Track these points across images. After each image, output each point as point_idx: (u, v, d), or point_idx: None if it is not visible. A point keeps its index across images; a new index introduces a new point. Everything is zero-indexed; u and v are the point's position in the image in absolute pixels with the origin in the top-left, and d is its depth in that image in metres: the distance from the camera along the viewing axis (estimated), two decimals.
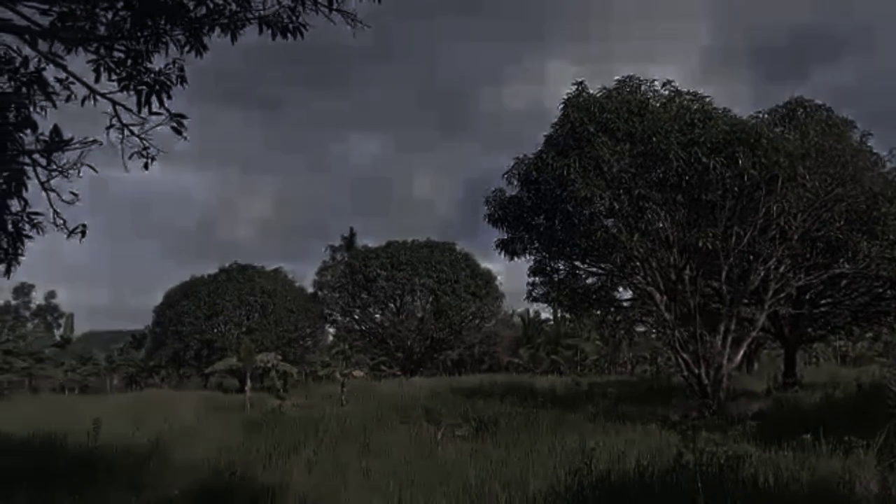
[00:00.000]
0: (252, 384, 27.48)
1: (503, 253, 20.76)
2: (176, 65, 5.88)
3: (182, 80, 5.91)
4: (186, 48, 5.86)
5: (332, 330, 47.68)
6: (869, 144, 19.89)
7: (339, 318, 44.08)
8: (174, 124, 5.84)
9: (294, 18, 5.92)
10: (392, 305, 42.51)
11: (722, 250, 17.74)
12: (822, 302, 22.45)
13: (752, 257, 18.51)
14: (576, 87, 18.76)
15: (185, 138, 5.89)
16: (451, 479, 8.82)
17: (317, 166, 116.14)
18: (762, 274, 18.47)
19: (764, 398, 19.02)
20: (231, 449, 12.28)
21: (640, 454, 8.60)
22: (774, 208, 17.42)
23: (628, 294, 21.75)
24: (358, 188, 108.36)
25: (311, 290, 46.30)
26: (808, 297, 21.91)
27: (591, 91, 18.67)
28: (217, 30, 5.88)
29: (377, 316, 43.16)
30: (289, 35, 5.93)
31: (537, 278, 21.46)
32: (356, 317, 43.15)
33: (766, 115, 19.30)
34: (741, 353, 19.66)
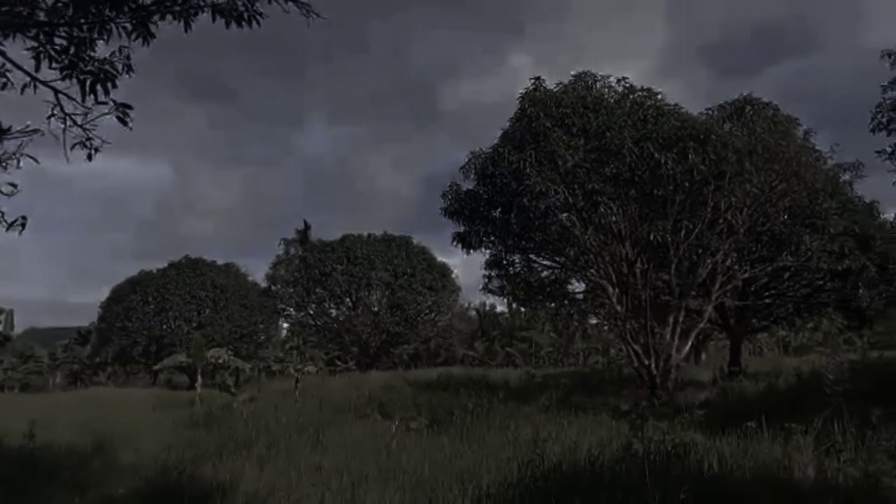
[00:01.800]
0: (203, 381, 26.97)
1: (459, 246, 20.86)
2: (122, 53, 5.68)
3: (128, 68, 5.71)
4: (133, 35, 5.66)
5: (285, 325, 47.27)
6: (812, 142, 20.57)
7: (293, 313, 43.66)
8: (119, 114, 5.66)
9: (249, 6, 5.78)
10: (347, 300, 42.25)
11: (672, 244, 18.19)
12: (767, 294, 23.17)
13: (700, 250, 19.01)
14: (533, 81, 18.94)
15: (131, 129, 5.71)
16: (405, 473, 8.82)
17: (274, 159, 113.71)
18: (710, 267, 19.00)
19: (710, 387, 19.57)
20: (180, 446, 12.02)
21: (592, 444, 8.76)
22: (722, 203, 17.93)
23: (582, 287, 22.09)
24: (317, 181, 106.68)
25: (264, 284, 45.77)
26: (752, 289, 22.61)
27: (548, 86, 18.87)
28: (168, 17, 5.69)
29: (332, 310, 42.87)
30: (243, 24, 5.78)
31: (493, 271, 21.62)
32: (311, 312, 42.76)
33: (715, 112, 19.78)
34: (689, 343, 20.22)
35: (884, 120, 14.58)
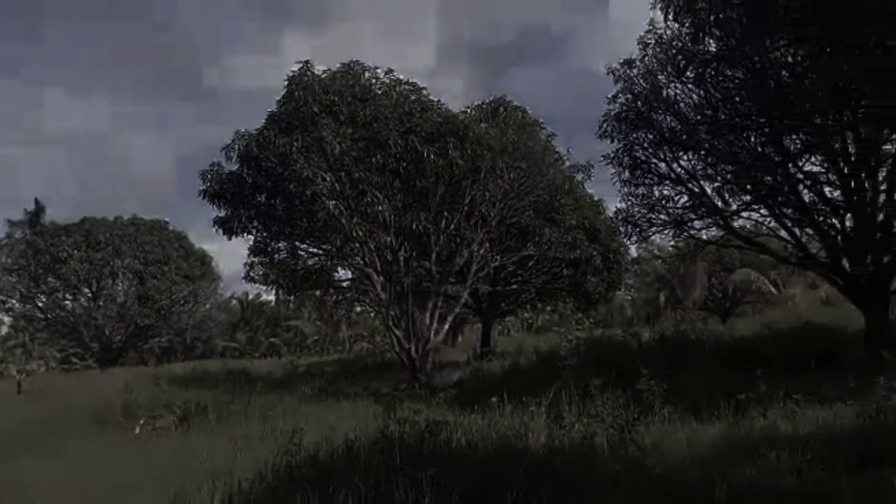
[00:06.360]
0: None
1: (221, 231, 19.76)
2: None
3: None
4: None
5: (7, 319, 40.61)
6: (553, 143, 23.03)
7: (17, 306, 37.55)
8: None
9: None
10: (87, 290, 37.49)
11: (433, 233, 19.17)
12: (514, 280, 25.54)
13: (458, 240, 20.28)
14: (300, 66, 18.50)
15: None
16: (150, 478, 8.09)
17: (4, 132, 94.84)
18: (466, 255, 20.36)
19: (464, 368, 21.05)
20: None
21: (350, 429, 8.85)
22: (478, 196, 19.32)
23: (348, 274, 22.28)
24: (60, 159, 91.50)
25: None
26: (502, 276, 24.75)
27: (317, 72, 18.57)
28: None
29: (67, 302, 37.70)
30: None
31: (257, 258, 20.86)
32: (39, 304, 37.15)
33: (473, 111, 21.19)
34: (446, 327, 21.47)
35: (608, 129, 16.80)
